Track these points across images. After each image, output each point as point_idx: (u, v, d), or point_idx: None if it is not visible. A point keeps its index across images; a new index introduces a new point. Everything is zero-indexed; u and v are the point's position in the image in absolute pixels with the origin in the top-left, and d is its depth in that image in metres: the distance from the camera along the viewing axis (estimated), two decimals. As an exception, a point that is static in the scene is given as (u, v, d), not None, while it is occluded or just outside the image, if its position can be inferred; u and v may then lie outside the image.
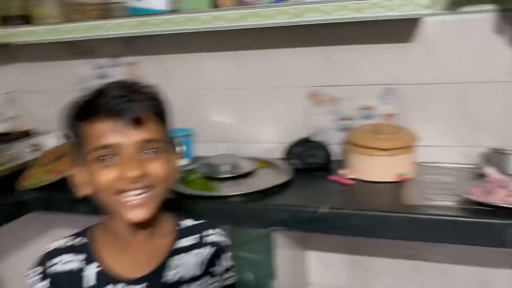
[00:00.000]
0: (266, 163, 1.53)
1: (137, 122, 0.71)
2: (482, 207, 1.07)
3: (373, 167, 1.32)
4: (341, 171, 1.38)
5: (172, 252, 0.81)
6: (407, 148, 1.32)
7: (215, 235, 0.87)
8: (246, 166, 1.47)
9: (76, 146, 0.76)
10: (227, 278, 0.89)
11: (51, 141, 1.68)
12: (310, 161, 1.45)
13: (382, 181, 1.31)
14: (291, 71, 1.54)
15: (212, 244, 0.85)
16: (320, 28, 1.39)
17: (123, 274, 0.77)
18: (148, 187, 0.73)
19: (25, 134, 1.69)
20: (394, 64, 1.43)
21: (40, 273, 0.78)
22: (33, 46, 1.72)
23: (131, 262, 0.78)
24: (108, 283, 0.76)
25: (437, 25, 1.36)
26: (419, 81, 1.42)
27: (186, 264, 0.80)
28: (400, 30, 1.39)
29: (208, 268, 0.83)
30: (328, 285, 1.71)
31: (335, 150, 1.53)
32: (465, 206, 1.09)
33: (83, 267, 0.77)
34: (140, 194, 0.73)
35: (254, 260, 1.26)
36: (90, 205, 1.30)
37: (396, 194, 1.23)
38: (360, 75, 1.48)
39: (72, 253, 0.78)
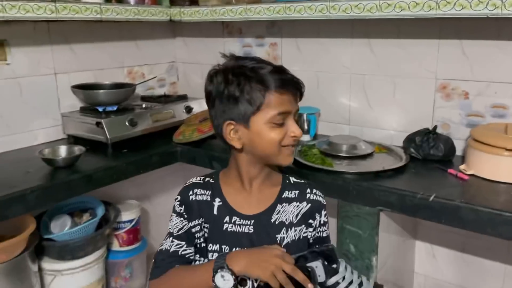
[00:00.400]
0: (385, 148, 1.60)
1: (299, 97, 0.97)
2: None
3: (496, 166, 1.30)
4: (461, 166, 1.39)
5: (277, 200, 0.99)
6: (537, 151, 1.27)
7: (313, 195, 1.03)
8: (364, 148, 1.57)
9: (244, 112, 0.93)
10: (321, 231, 1.05)
11: (201, 105, 1.98)
12: (429, 152, 1.48)
13: (503, 182, 1.28)
14: (423, 61, 1.56)
15: (309, 201, 1.01)
16: (458, 21, 1.39)
17: (238, 210, 0.98)
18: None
19: (182, 98, 2.01)
20: (537, 62, 1.36)
21: (179, 201, 1.03)
22: (194, 24, 2.03)
23: (245, 202, 0.99)
24: (226, 215, 0.98)
25: None
26: None
27: (286, 212, 0.98)
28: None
29: (308, 219, 1.00)
30: (433, 278, 1.73)
31: (459, 145, 1.52)
32: None
33: (210, 200, 1.00)
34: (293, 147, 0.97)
35: (358, 234, 1.37)
36: (222, 163, 1.58)
37: (514, 195, 1.21)
38: (496, 71, 1.43)
39: (203, 188, 1.01)
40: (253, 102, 0.92)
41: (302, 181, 1.07)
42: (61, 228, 1.61)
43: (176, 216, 1.02)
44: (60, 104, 1.80)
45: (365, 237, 1.35)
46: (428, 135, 1.50)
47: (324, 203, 1.05)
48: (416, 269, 1.76)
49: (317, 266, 0.86)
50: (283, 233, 0.97)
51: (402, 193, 1.26)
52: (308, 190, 1.03)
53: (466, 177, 1.33)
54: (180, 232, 1.00)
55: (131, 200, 1.99)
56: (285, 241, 0.97)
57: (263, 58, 1.03)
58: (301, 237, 0.99)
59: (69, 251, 1.61)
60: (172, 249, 0.99)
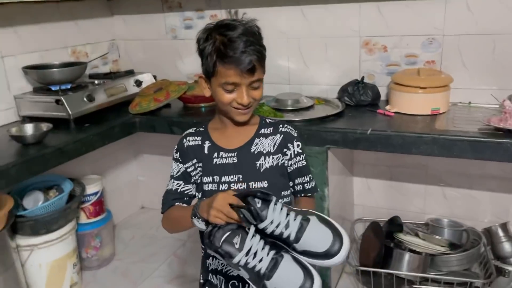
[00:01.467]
0: (323, 100, 1.86)
1: (252, 71, 1.04)
2: (497, 132, 1.35)
3: (413, 102, 1.61)
4: (386, 107, 1.69)
5: (255, 135, 1.16)
6: (443, 87, 1.60)
7: (285, 128, 1.18)
8: (306, 102, 1.81)
9: (208, 69, 1.07)
10: (298, 161, 1.19)
11: (149, 78, 2.09)
12: (360, 98, 1.76)
13: (419, 114, 1.61)
14: (347, 22, 1.83)
15: (282, 133, 1.17)
16: (375, -15, 1.67)
17: (223, 146, 1.15)
18: (250, 106, 1.09)
19: (130, 73, 2.11)
20: (436, 17, 1.69)
21: (175, 149, 1.20)
22: (132, 0, 2.11)
23: (229, 139, 1.16)
24: (215, 151, 1.15)
25: (476, -17, 1.60)
26: (457, 32, 1.67)
27: (263, 144, 1.15)
28: (444, -13, 1.64)
29: (282, 149, 1.16)
30: (369, 206, 2.06)
31: (382, 91, 1.83)
32: (484, 131, 1.38)
33: (201, 144, 1.17)
34: (246, 109, 1.09)
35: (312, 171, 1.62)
36: (183, 128, 1.73)
37: (429, 122, 1.53)
38: (407, 27, 1.74)
39: (195, 136, 1.19)
40: (209, 67, 1.06)
41: (276, 120, 1.23)
42: (35, 203, 1.67)
43: (174, 162, 1.19)
44: (10, 87, 1.81)
45: (316, 172, 1.61)
46: (358, 84, 1.79)
47: (295, 135, 1.18)
48: (355, 201, 2.08)
49: (252, 207, 0.92)
50: (262, 160, 1.14)
51: (344, 131, 1.53)
52: (281, 125, 1.18)
53: (391, 114, 1.63)
54: (178, 174, 1.17)
55: (92, 175, 2.07)
56: (264, 167, 1.14)
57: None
58: (279, 164, 1.15)
59: (43, 225, 1.69)
60: (173, 188, 1.17)
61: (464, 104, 1.70)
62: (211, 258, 1.15)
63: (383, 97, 1.83)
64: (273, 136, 1.17)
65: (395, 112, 1.64)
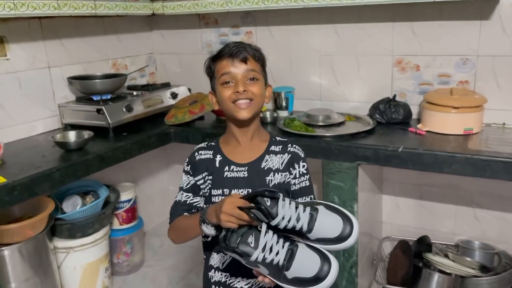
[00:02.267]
0: (354, 117, 1.89)
1: (244, 60, 1.12)
2: (532, 153, 1.34)
3: (445, 122, 1.62)
4: (418, 125, 1.70)
5: (265, 152, 1.20)
6: (476, 107, 1.60)
7: (293, 148, 1.22)
8: (337, 118, 1.84)
9: (212, 80, 1.17)
10: (302, 181, 1.21)
11: (184, 91, 2.16)
12: (392, 116, 1.78)
13: (451, 134, 1.61)
14: (381, 42, 1.86)
15: (290, 152, 1.20)
16: (408, 6, 1.69)
17: (234, 160, 1.19)
18: (250, 99, 1.13)
19: (166, 85, 2.19)
20: (471, 38, 1.69)
21: (187, 162, 1.23)
22: (171, 16, 2.21)
23: (240, 154, 1.20)
24: (226, 165, 1.19)
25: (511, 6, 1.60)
26: (492, 53, 1.67)
27: (273, 160, 1.19)
28: (479, 8, 1.65)
29: (289, 167, 1.20)
30: (397, 225, 2.05)
31: (414, 110, 1.83)
32: (518, 152, 1.37)
33: (213, 157, 1.21)
34: (244, 102, 1.13)
35: (340, 187, 1.64)
36: (214, 138, 1.79)
37: (462, 142, 1.53)
38: (440, 46, 1.76)
39: (207, 150, 1.23)
40: (210, 73, 1.17)
41: (285, 139, 1.25)
42: (73, 207, 1.75)
43: (184, 175, 1.22)
44: (55, 96, 1.91)
45: (346, 188, 1.63)
46: (390, 102, 1.80)
47: (302, 156, 1.22)
48: (383, 219, 2.07)
49: (263, 206, 0.94)
50: (271, 176, 1.17)
51: (375, 147, 1.54)
52: (289, 145, 1.22)
53: (423, 133, 1.64)
54: (187, 186, 1.20)
55: (127, 182, 2.14)
56: (273, 183, 1.18)
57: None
58: (285, 181, 1.19)
59: (80, 229, 1.76)
60: (182, 200, 1.20)
61: (498, 125, 1.69)
62: (213, 270, 1.18)
63: (414, 116, 1.84)
64: (281, 155, 1.20)
65: (427, 131, 1.65)
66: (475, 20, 1.67)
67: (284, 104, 2.01)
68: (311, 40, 2.00)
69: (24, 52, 1.77)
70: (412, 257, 1.73)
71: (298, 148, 1.23)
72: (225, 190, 1.18)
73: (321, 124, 1.81)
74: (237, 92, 1.11)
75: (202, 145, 1.26)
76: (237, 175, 1.18)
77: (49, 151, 1.61)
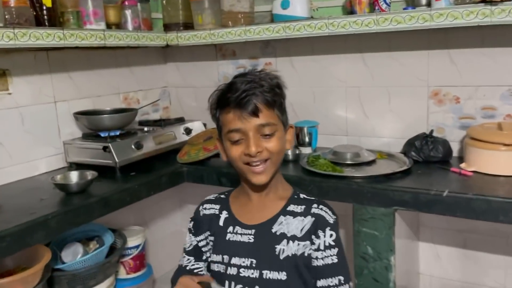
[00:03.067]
0: (386, 155, 1.69)
1: (255, 113, 0.93)
2: None
3: (494, 161, 1.41)
4: (461, 165, 1.49)
5: (281, 212, 1.00)
6: (530, 144, 1.39)
7: (319, 209, 0.99)
8: (367, 156, 1.65)
9: (217, 127, 1.02)
10: (327, 256, 0.95)
11: (199, 126, 2.01)
12: (430, 154, 1.58)
13: (502, 175, 1.39)
14: (415, 71, 1.68)
15: (314, 215, 0.98)
16: (445, 32, 1.53)
17: (241, 220, 1.02)
18: (265, 159, 0.95)
19: (180, 120, 2.04)
20: (519, 66, 1.51)
21: (191, 218, 1.10)
22: (186, 48, 2.09)
23: (249, 213, 1.02)
24: (230, 224, 1.02)
25: None
26: (545, 83, 1.48)
27: (289, 225, 0.97)
28: (528, 34, 1.47)
29: (311, 235, 0.96)
30: (438, 277, 1.80)
31: (454, 146, 1.63)
32: None
33: (218, 213, 1.05)
34: (259, 164, 0.95)
35: (375, 235, 1.43)
36: (232, 179, 1.61)
37: (516, 185, 1.31)
38: (482, 76, 1.57)
39: (213, 203, 1.07)
40: (215, 119, 1.00)
41: (312, 198, 1.04)
42: (74, 256, 1.57)
43: (188, 233, 1.09)
44: (60, 132, 1.78)
45: (381, 237, 1.41)
46: (427, 138, 1.61)
47: (331, 222, 0.98)
48: (421, 270, 1.83)
49: None
50: (283, 245, 0.96)
51: (415, 191, 1.34)
52: (315, 205, 1.00)
53: (469, 173, 1.43)
54: (190, 248, 1.07)
55: (135, 226, 1.97)
56: (285, 253, 0.95)
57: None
58: (305, 254, 0.96)
59: (80, 281, 1.57)
60: (184, 264, 1.08)
61: (555, 164, 1.47)
62: None
63: (455, 154, 1.64)
64: (302, 218, 0.98)
65: (473, 171, 1.44)
66: (521, 47, 1.49)
67: (307, 140, 1.83)
68: (336, 70, 1.84)
69: (29, 86, 1.65)
70: (460, 318, 1.49)
71: (327, 210, 1.00)
72: (224, 257, 1.00)
73: (349, 162, 1.62)
74: (248, 154, 0.93)
75: (211, 197, 1.10)
76: (241, 239, 0.99)
77: (49, 194, 1.45)
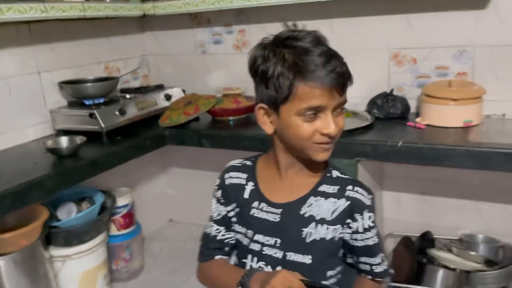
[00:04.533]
0: (352, 113, 1.85)
1: (343, 90, 0.86)
2: (535, 143, 1.31)
3: (444, 115, 1.58)
4: (417, 119, 1.66)
5: (311, 192, 0.91)
6: (475, 99, 1.57)
7: (354, 192, 0.91)
8: (335, 114, 1.80)
9: (275, 97, 0.85)
10: (367, 238, 0.92)
11: (178, 92, 2.13)
12: (390, 111, 1.74)
13: (451, 126, 1.57)
14: (376, 35, 1.82)
15: (349, 198, 0.90)
16: (403, -2, 1.67)
17: (268, 196, 0.93)
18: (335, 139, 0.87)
19: (160, 87, 2.15)
20: (468, 28, 1.66)
21: (217, 185, 1.01)
22: (162, 17, 2.17)
23: (277, 189, 0.94)
24: (256, 199, 0.94)
25: (509, -6, 1.57)
26: (490, 44, 1.64)
27: (320, 207, 0.90)
28: (475, -2, 1.62)
29: (345, 219, 0.90)
30: (399, 221, 2.01)
31: (412, 103, 1.80)
32: (520, 143, 1.34)
33: (244, 183, 0.97)
34: (330, 142, 0.87)
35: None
36: (212, 141, 1.75)
37: (462, 135, 1.50)
38: (437, 38, 1.72)
39: (240, 171, 0.98)
40: (281, 90, 0.83)
41: (347, 176, 0.95)
42: (68, 214, 1.71)
43: (214, 201, 1.02)
44: (46, 101, 1.88)
45: (346, 186, 1.59)
46: (387, 97, 1.77)
47: (369, 204, 0.92)
48: (385, 216, 2.04)
49: None
50: (311, 228, 0.90)
51: (374, 143, 1.51)
52: (350, 187, 0.92)
53: (422, 126, 1.61)
54: (218, 217, 1.01)
55: (123, 187, 2.11)
56: (312, 237, 0.90)
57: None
58: (337, 238, 0.91)
59: (76, 236, 1.72)
60: (212, 234, 1.01)
61: (498, 116, 1.66)
62: None
63: (413, 110, 1.81)
64: (335, 200, 0.91)
65: (426, 125, 1.62)
66: (471, 10, 1.64)
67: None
68: (305, 36, 1.96)
69: (13, 58, 1.73)
70: (416, 253, 1.70)
71: (363, 191, 0.93)
72: (248, 231, 0.95)
73: (318, 121, 1.78)
74: (327, 134, 0.84)
75: (236, 163, 1.00)
76: (266, 217, 0.93)
77: (41, 158, 1.57)
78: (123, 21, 2.19)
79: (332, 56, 0.85)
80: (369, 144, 1.51)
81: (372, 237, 0.93)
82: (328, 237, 0.91)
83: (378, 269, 0.95)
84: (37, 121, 1.84)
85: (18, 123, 1.77)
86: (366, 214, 0.92)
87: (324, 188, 0.92)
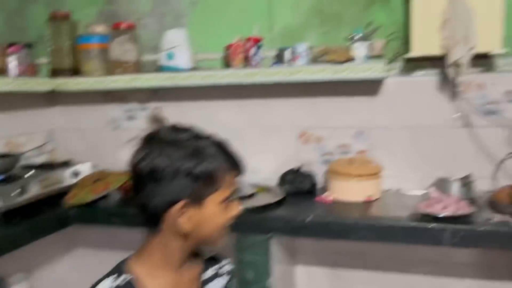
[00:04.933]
0: (264, 188, 1.91)
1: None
2: (426, 216, 1.45)
3: (348, 190, 1.70)
4: (324, 194, 1.76)
5: (202, 283, 0.93)
6: (374, 175, 1.71)
7: (228, 265, 1.00)
8: (249, 189, 1.85)
9: (200, 188, 0.84)
10: None
11: (87, 169, 2.04)
12: (299, 186, 1.83)
13: (354, 201, 1.69)
14: (285, 116, 1.96)
15: (227, 273, 0.99)
16: (308, 84, 1.83)
17: None
18: None
19: (67, 163, 2.05)
20: (364, 112, 1.86)
21: None
22: (75, 93, 2.13)
23: None
24: None
25: (395, 84, 1.81)
26: (383, 125, 1.84)
27: None
28: (368, 87, 1.83)
29: None
30: (314, 296, 2.03)
31: (319, 178, 1.91)
32: (414, 216, 1.47)
33: None
34: None
35: (255, 262, 1.60)
36: (123, 219, 1.69)
37: (365, 209, 1.61)
38: (338, 120, 1.90)
39: None
40: (214, 181, 0.85)
41: (213, 254, 1.00)
42: None
43: None
44: None
45: (260, 263, 1.60)
46: (296, 173, 1.87)
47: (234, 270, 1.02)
48: (299, 290, 2.05)
49: None
50: None
51: (285, 219, 1.56)
52: (223, 263, 0.99)
53: (329, 201, 1.70)
54: None
55: (19, 273, 1.89)
56: None
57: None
58: None
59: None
60: None
61: (394, 190, 1.82)
62: None
63: (320, 184, 1.92)
64: (217, 279, 0.96)
65: (332, 199, 1.72)
66: (366, 96, 1.85)
67: (194, 178, 1.98)
68: (218, 115, 2.04)
69: None
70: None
71: (230, 261, 1.01)
72: None
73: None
74: (236, 216, 0.92)
75: (106, 286, 0.84)
76: None
77: None
78: (30, 96, 2.11)
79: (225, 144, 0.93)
80: (281, 220, 1.56)
81: None
82: None
83: None
84: None
85: None
86: (234, 280, 0.99)
87: (208, 274, 0.95)
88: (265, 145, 2.00)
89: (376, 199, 1.71)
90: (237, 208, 0.91)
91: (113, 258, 2.28)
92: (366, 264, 1.94)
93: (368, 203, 1.67)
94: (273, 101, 1.96)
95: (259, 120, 1.99)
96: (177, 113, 2.09)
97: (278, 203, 1.70)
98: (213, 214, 0.86)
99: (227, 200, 0.88)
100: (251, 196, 1.82)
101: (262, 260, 1.59)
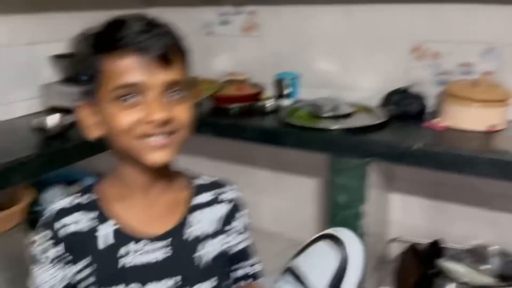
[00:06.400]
0: (364, 108, 1.72)
1: (165, 60, 0.65)
2: None
3: (467, 117, 1.45)
4: (435, 120, 1.53)
5: (190, 208, 0.77)
6: (502, 102, 1.43)
7: (231, 192, 0.84)
8: (346, 108, 1.68)
9: (88, 82, 0.69)
10: (245, 240, 0.85)
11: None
12: (406, 109, 1.61)
13: (473, 130, 1.44)
14: (397, 25, 1.68)
15: (230, 200, 0.82)
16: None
17: (143, 230, 0.72)
18: (172, 132, 0.68)
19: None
20: (497, 24, 1.52)
21: (51, 238, 0.71)
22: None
23: (150, 217, 0.74)
24: (128, 241, 0.71)
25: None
26: (522, 42, 1.50)
27: (204, 221, 0.77)
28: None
29: (226, 225, 0.81)
30: (407, 226, 1.89)
31: (430, 101, 1.67)
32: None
33: (96, 226, 0.71)
34: (163, 138, 0.68)
35: (348, 185, 1.48)
36: (214, 128, 1.62)
37: (484, 140, 1.37)
38: (463, 32, 1.58)
39: (81, 211, 0.72)
40: (88, 72, 0.68)
41: (214, 179, 0.85)
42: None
43: (44, 267, 0.71)
44: (37, 76, 1.75)
45: (354, 187, 1.47)
46: (404, 93, 1.64)
47: (242, 200, 0.85)
48: (392, 219, 1.92)
49: None
50: (199, 251, 0.76)
51: (388, 144, 1.39)
52: (222, 189, 0.82)
53: (442, 128, 1.47)
54: None
55: (116, 171, 1.99)
56: (204, 261, 0.76)
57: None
58: (224, 251, 0.80)
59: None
60: None
61: (524, 121, 1.53)
62: None
63: (431, 108, 1.67)
64: (214, 207, 0.80)
65: (445, 126, 1.49)
66: (503, 4, 1.49)
67: (288, 91, 1.84)
68: (318, 22, 1.82)
69: (3, 27, 1.60)
70: (424, 264, 1.58)
71: (235, 187, 0.85)
72: (131, 286, 0.71)
73: (328, 115, 1.64)
74: (152, 121, 0.65)
75: (65, 205, 0.73)
76: (152, 258, 0.71)
77: (26, 136, 1.45)
78: (126, -4, 2.05)
79: (151, 24, 0.68)
80: (382, 145, 1.39)
81: (249, 236, 0.85)
82: (217, 252, 0.78)
83: (257, 268, 0.88)
84: (26, 96, 1.72)
85: (5, 97, 1.64)
86: (244, 212, 0.84)
87: (200, 199, 0.79)
88: (370, 58, 1.76)
89: (501, 130, 1.44)
90: (151, 111, 0.65)
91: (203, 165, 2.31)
92: (474, 199, 1.72)
93: (490, 134, 1.41)
94: (384, 7, 1.68)
95: (365, 29, 1.74)
96: (273, 19, 1.90)
97: (380, 126, 1.52)
98: (106, 115, 0.67)
99: (121, 95, 0.65)
100: (348, 115, 1.65)
101: (357, 184, 1.47)
